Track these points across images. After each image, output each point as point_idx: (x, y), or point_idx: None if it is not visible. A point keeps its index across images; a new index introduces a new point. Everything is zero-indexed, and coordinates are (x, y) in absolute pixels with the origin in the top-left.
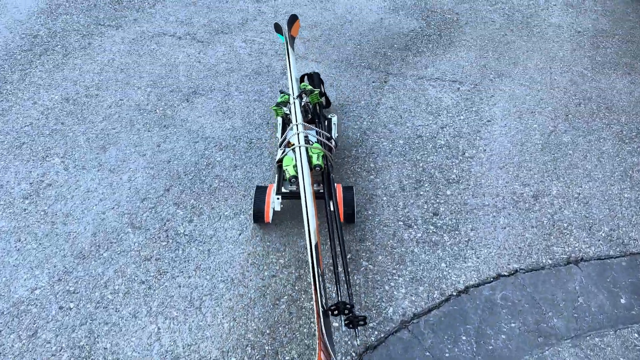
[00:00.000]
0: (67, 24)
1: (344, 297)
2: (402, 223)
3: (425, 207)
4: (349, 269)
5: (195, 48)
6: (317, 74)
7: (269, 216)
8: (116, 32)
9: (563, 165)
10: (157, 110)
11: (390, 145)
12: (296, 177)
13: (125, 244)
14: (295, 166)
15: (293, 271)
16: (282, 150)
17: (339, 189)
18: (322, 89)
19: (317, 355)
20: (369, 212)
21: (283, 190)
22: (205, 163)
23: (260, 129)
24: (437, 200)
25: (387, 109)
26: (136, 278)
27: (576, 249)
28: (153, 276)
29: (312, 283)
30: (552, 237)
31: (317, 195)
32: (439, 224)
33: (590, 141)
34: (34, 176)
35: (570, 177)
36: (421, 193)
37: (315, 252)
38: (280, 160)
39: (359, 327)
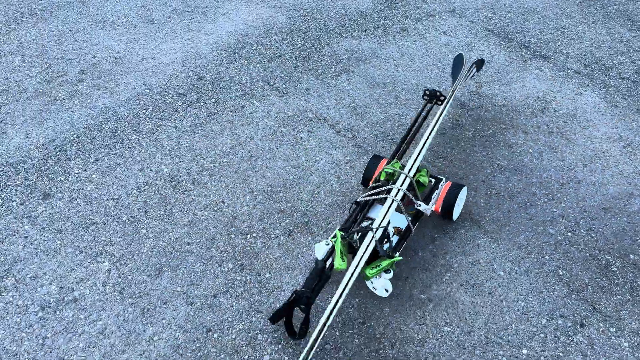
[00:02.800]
0: (238, 71)
1: None
2: None
3: None
4: None
5: (347, 152)
6: None
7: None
8: (278, 100)
9: None
10: (249, 236)
11: None
12: None
13: None
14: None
15: None
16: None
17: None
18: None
19: None
20: None
21: None
22: (246, 358)
23: (350, 327)
24: None
25: None
26: None
27: None
28: None
29: None
30: None
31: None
32: None
33: None
34: (70, 279)
35: None
36: None
37: None
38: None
39: None
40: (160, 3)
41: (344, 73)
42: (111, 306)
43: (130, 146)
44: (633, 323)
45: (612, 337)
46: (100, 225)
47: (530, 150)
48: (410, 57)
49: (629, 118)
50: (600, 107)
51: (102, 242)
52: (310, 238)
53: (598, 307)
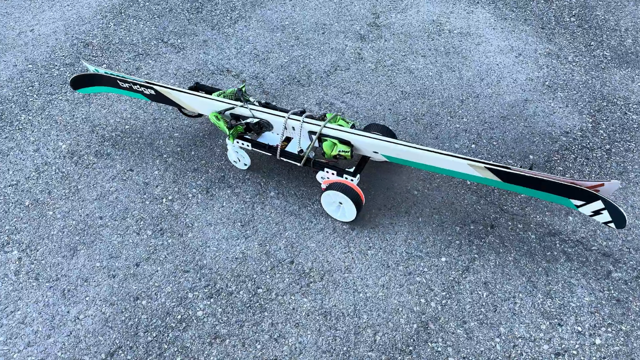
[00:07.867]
0: (128, 32)
1: None
2: None
3: None
4: None
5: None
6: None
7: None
8: (175, 57)
9: None
10: (165, 200)
11: None
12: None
13: None
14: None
15: None
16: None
17: None
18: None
19: None
20: None
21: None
22: (178, 317)
23: (279, 269)
24: None
25: (478, 286)
26: None
27: None
28: None
29: None
30: None
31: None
32: None
33: None
34: None
35: None
36: None
37: None
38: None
39: None
40: None
41: (240, 20)
42: (28, 294)
43: (21, 127)
44: (537, 217)
45: (520, 233)
46: (2, 214)
47: (430, 73)
48: None
49: (517, 29)
50: (491, 22)
51: (7, 231)
52: (229, 191)
53: (505, 207)
